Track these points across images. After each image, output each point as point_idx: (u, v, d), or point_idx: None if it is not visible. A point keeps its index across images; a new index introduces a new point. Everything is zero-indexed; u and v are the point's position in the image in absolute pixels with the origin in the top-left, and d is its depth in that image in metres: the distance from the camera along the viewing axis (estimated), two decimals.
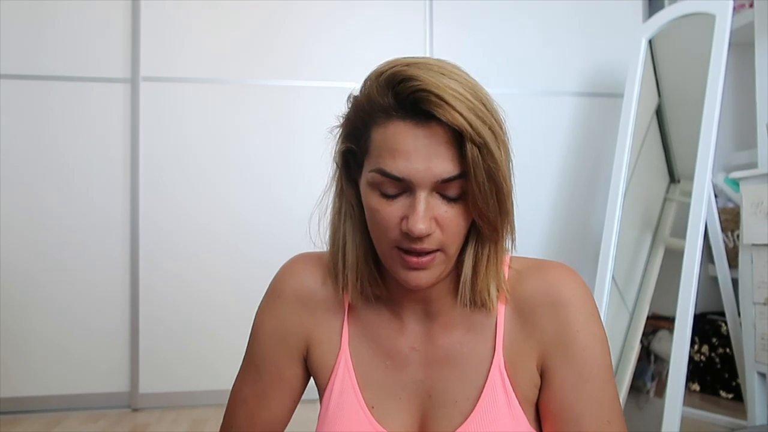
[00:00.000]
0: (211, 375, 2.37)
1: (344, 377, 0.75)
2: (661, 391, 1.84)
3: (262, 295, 0.82)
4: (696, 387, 2.46)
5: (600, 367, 0.71)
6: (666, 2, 2.60)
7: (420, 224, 0.63)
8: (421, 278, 0.67)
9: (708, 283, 2.45)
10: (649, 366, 1.94)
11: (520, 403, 0.71)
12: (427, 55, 2.55)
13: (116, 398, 2.35)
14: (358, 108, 0.67)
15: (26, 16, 2.34)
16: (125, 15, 2.40)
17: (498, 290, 0.71)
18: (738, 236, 2.16)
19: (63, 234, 2.34)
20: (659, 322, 1.94)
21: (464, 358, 0.73)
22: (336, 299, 0.77)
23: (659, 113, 2.19)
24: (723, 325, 2.32)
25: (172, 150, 2.41)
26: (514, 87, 2.64)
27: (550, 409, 0.72)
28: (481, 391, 0.71)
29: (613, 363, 1.33)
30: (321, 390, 0.78)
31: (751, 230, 1.85)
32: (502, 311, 0.73)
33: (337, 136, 0.71)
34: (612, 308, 2.07)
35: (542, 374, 0.72)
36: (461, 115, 0.60)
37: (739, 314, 1.95)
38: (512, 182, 0.68)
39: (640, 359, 1.96)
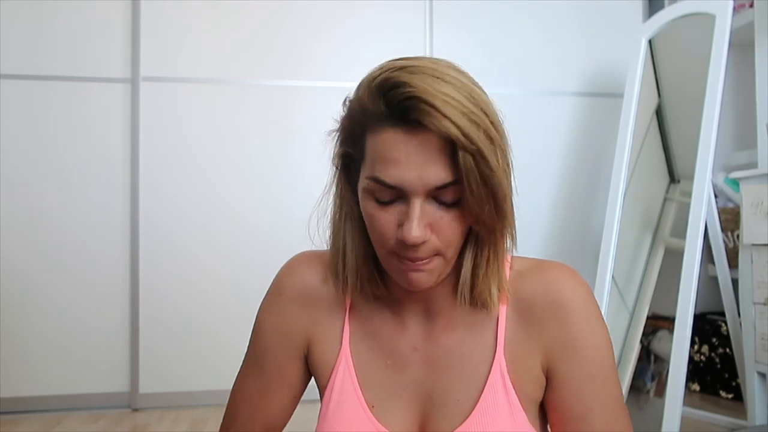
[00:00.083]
0: (211, 375, 2.37)
1: (345, 376, 0.75)
2: (661, 391, 1.84)
3: (263, 294, 0.82)
4: (696, 387, 2.46)
5: (605, 365, 0.72)
6: (666, 2, 2.60)
7: (414, 232, 0.62)
8: (420, 280, 0.67)
9: (708, 283, 2.45)
10: (649, 366, 1.94)
11: (521, 402, 0.71)
12: (427, 55, 2.55)
13: (116, 398, 2.35)
14: (352, 114, 0.66)
15: (26, 16, 2.34)
16: (125, 15, 2.40)
17: (499, 290, 0.71)
18: (738, 236, 2.16)
19: (63, 234, 2.34)
20: (659, 322, 1.94)
21: (465, 357, 0.73)
22: (337, 298, 0.77)
23: (659, 113, 2.19)
24: (723, 325, 2.32)
25: (172, 150, 2.41)
26: (514, 87, 2.64)
27: (558, 409, 0.72)
28: (482, 391, 0.71)
29: None
30: (321, 389, 0.78)
31: (751, 230, 1.85)
32: (503, 311, 0.73)
33: (335, 138, 0.70)
34: (612, 308, 2.07)
35: (548, 374, 0.72)
36: (452, 122, 0.59)
37: (739, 314, 1.95)
38: (512, 184, 0.68)
39: (640, 359, 1.97)
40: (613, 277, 2.08)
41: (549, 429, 0.77)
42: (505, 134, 0.66)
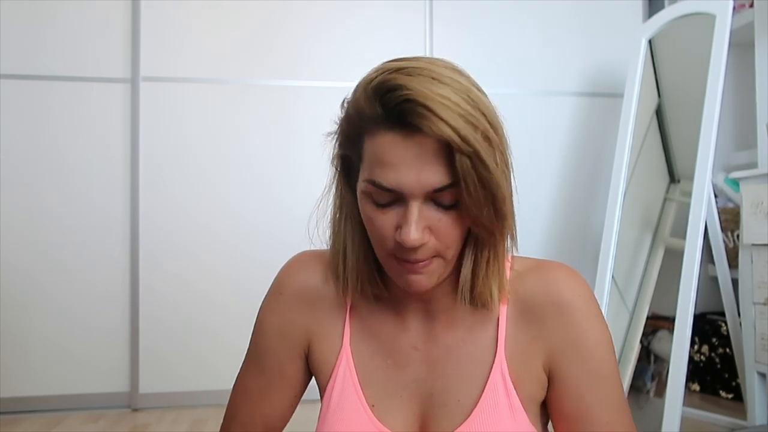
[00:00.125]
0: (211, 375, 2.37)
1: (345, 375, 0.75)
2: (661, 391, 1.84)
3: (263, 294, 0.83)
4: (696, 387, 2.46)
5: (608, 364, 0.72)
6: (666, 2, 2.60)
7: (412, 235, 0.62)
8: (420, 282, 0.67)
9: (708, 283, 2.45)
10: (649, 366, 1.94)
11: (522, 402, 0.71)
12: (428, 55, 2.55)
13: (116, 398, 2.35)
14: (350, 117, 0.66)
15: (26, 16, 2.34)
16: (125, 15, 2.40)
17: (500, 290, 0.71)
18: (738, 236, 2.16)
19: (63, 234, 2.34)
20: (659, 322, 1.94)
21: (465, 357, 0.73)
22: (338, 298, 0.77)
23: (659, 113, 2.19)
24: (723, 325, 2.32)
25: (172, 150, 2.41)
26: (514, 87, 2.64)
27: (561, 409, 0.72)
28: (482, 391, 0.71)
29: None
30: (322, 388, 0.78)
31: (751, 230, 1.85)
32: (503, 311, 0.73)
33: (334, 140, 0.70)
34: (612, 308, 2.07)
35: (550, 375, 0.72)
36: (449, 125, 0.59)
37: (739, 314, 1.95)
38: (512, 185, 0.67)
39: (640, 359, 1.96)
40: (613, 277, 2.08)
41: (550, 429, 0.77)
42: (504, 135, 0.65)
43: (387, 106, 0.61)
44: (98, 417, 2.23)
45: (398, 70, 0.62)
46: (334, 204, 0.74)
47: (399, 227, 0.64)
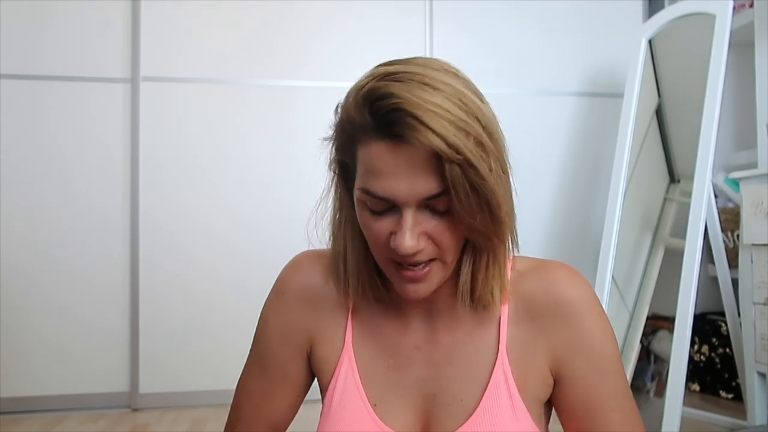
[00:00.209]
0: (211, 375, 2.37)
1: (347, 375, 0.75)
2: (661, 391, 1.84)
3: (263, 294, 0.83)
4: (696, 387, 2.46)
5: (614, 362, 0.73)
6: (666, 2, 2.60)
7: (407, 243, 0.62)
8: (419, 291, 0.67)
9: (708, 283, 2.45)
10: (649, 366, 1.94)
11: (524, 402, 0.71)
12: (427, 55, 2.55)
13: (116, 398, 2.35)
14: (342, 124, 0.66)
15: (26, 16, 2.34)
16: (125, 15, 2.40)
17: (501, 291, 0.71)
18: (738, 236, 2.16)
19: (63, 234, 2.34)
20: (659, 322, 1.94)
21: (467, 357, 0.73)
22: (339, 298, 0.77)
23: (659, 113, 2.19)
24: (723, 325, 2.32)
25: (172, 150, 2.41)
26: (514, 87, 2.64)
27: (570, 408, 0.73)
28: (485, 391, 0.71)
29: None
30: (323, 388, 0.78)
31: (751, 230, 1.85)
32: (505, 311, 0.73)
33: (331, 144, 0.70)
34: (612, 308, 2.07)
35: (558, 375, 0.73)
36: (437, 134, 0.58)
37: (739, 314, 1.95)
38: (511, 187, 0.67)
39: (640, 359, 1.97)
40: (613, 277, 2.08)
41: (551, 428, 0.77)
42: (500, 139, 0.65)
43: (376, 116, 0.61)
44: (98, 417, 2.23)
45: (389, 75, 0.62)
46: (333, 207, 0.74)
47: (394, 234, 0.63)
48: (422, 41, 2.59)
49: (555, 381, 0.73)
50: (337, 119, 0.67)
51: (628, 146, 2.16)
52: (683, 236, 1.87)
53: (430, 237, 0.64)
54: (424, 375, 0.74)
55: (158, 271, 2.38)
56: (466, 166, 0.60)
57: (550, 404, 0.76)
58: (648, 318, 1.99)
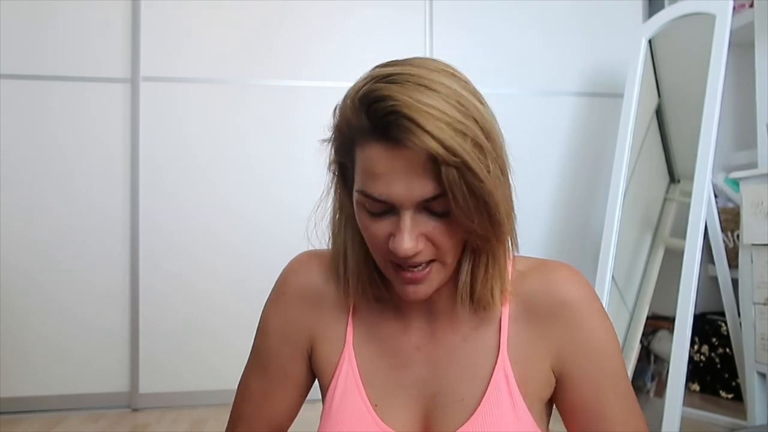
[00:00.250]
0: (211, 375, 2.37)
1: (348, 375, 0.75)
2: (661, 391, 1.84)
3: (263, 294, 0.83)
4: (696, 387, 2.46)
5: (616, 361, 0.73)
6: (666, 2, 2.60)
7: (405, 245, 0.62)
8: (418, 292, 0.67)
9: (708, 283, 2.45)
10: (649, 366, 1.94)
11: (526, 402, 0.71)
12: (427, 55, 2.55)
13: (116, 398, 2.35)
14: (340, 126, 0.66)
15: (26, 16, 2.34)
16: (125, 15, 2.40)
17: (501, 291, 0.71)
18: (738, 236, 2.16)
19: (63, 234, 2.34)
20: (659, 322, 1.94)
21: (468, 356, 0.73)
22: (340, 298, 0.77)
23: (659, 113, 2.19)
24: (723, 325, 2.32)
25: (172, 150, 2.41)
26: (514, 87, 2.64)
27: (574, 408, 0.73)
28: (485, 390, 0.71)
29: None
30: (323, 388, 0.78)
31: (751, 230, 1.85)
32: (506, 311, 0.73)
33: (330, 146, 0.70)
34: (612, 308, 2.07)
35: (560, 375, 0.73)
36: (433, 137, 0.58)
37: (739, 314, 1.95)
38: (511, 189, 0.67)
39: (640, 359, 1.97)
40: (613, 277, 2.08)
41: (551, 427, 0.77)
42: (498, 140, 0.65)
43: (373, 118, 0.60)
44: (98, 417, 2.23)
45: (385, 77, 0.61)
46: (333, 207, 0.74)
47: (393, 236, 0.63)
48: (422, 41, 2.59)
49: (557, 381, 0.73)
50: (335, 122, 0.67)
51: (628, 146, 2.16)
52: (683, 236, 1.87)
53: (428, 238, 0.64)
54: (425, 375, 0.74)
55: (158, 271, 2.38)
56: (463, 168, 0.59)
57: (550, 404, 0.76)
58: (648, 318, 1.99)
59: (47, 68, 2.35)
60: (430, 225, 0.64)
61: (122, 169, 2.39)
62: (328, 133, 0.69)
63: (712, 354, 2.40)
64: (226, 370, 2.27)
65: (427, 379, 0.74)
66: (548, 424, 0.78)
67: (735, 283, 1.98)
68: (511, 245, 0.70)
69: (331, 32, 2.53)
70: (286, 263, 0.82)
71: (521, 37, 2.65)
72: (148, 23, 2.40)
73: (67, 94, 2.36)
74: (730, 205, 2.39)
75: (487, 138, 0.62)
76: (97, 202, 2.36)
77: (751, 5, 2.25)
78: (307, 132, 2.45)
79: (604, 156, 2.62)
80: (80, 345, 2.33)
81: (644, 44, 2.22)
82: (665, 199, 2.08)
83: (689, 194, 1.90)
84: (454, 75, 0.64)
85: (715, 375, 2.39)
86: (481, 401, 0.71)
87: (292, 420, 0.83)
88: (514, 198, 0.68)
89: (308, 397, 0.84)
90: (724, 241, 2.16)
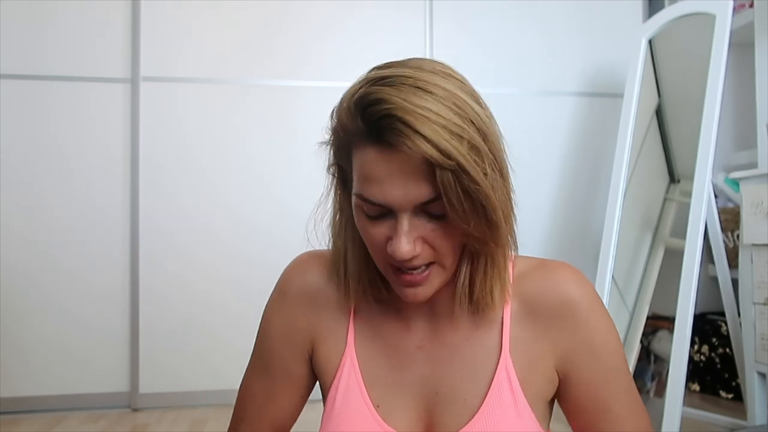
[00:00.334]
0: (211, 375, 2.37)
1: (350, 375, 0.75)
2: (661, 391, 1.84)
3: (263, 294, 0.83)
4: (696, 387, 2.46)
5: (619, 358, 0.74)
6: (666, 2, 2.60)
7: (402, 248, 0.62)
8: (418, 294, 0.67)
9: (708, 283, 2.45)
10: (649, 366, 1.94)
11: (528, 401, 0.71)
12: (427, 55, 2.55)
13: (116, 398, 2.35)
14: (337, 130, 0.66)
15: (26, 16, 2.34)
16: (125, 15, 2.40)
17: (502, 292, 0.71)
18: (738, 236, 2.16)
19: (63, 234, 2.34)
20: (659, 322, 1.94)
21: (470, 356, 0.73)
22: (341, 298, 0.77)
23: (659, 113, 2.19)
24: (723, 325, 2.32)
25: (172, 150, 2.41)
26: (514, 87, 2.64)
27: (579, 407, 0.73)
28: (488, 390, 0.71)
29: None
30: (325, 389, 0.78)
31: (751, 230, 1.85)
32: (507, 311, 0.73)
33: (328, 148, 0.70)
34: (612, 308, 2.07)
35: (564, 375, 0.73)
36: (428, 140, 0.58)
37: (739, 314, 1.95)
38: (510, 190, 0.67)
39: (640, 359, 1.97)
40: (613, 277, 2.08)
41: (552, 427, 0.77)
42: (497, 142, 0.64)
43: (368, 122, 0.60)
44: (98, 417, 2.23)
45: (381, 80, 0.61)
46: (333, 209, 0.74)
47: (391, 239, 0.63)
48: (422, 41, 2.59)
49: (560, 380, 0.73)
50: (332, 125, 0.67)
51: (628, 146, 2.16)
52: (683, 236, 1.87)
53: (426, 241, 0.64)
54: (427, 374, 0.74)
55: (158, 271, 2.38)
56: (459, 171, 0.59)
57: (551, 403, 0.76)
58: (648, 318, 1.99)
59: (47, 68, 2.35)
60: (428, 228, 0.63)
61: (122, 169, 2.39)
62: (327, 135, 0.69)
63: (712, 354, 2.40)
64: (226, 370, 2.27)
65: (429, 378, 0.74)
66: (549, 422, 0.78)
67: (735, 283, 1.98)
68: (512, 246, 0.70)
69: (331, 32, 2.53)
70: (287, 264, 0.82)
71: (521, 37, 2.65)
72: (148, 23, 2.40)
73: (67, 94, 2.36)
74: (730, 205, 2.39)
75: (484, 140, 0.62)
76: (97, 202, 2.36)
77: (751, 5, 2.25)
78: (307, 132, 2.45)
79: (604, 156, 2.62)
80: (80, 345, 2.33)
81: (644, 44, 2.22)
82: (665, 199, 2.08)
83: (689, 194, 1.90)
84: (451, 76, 0.64)
85: (715, 375, 2.39)
86: (483, 401, 0.71)
87: (294, 421, 0.83)
88: (514, 199, 0.68)
89: (310, 398, 0.84)
90: (724, 241, 2.16)
